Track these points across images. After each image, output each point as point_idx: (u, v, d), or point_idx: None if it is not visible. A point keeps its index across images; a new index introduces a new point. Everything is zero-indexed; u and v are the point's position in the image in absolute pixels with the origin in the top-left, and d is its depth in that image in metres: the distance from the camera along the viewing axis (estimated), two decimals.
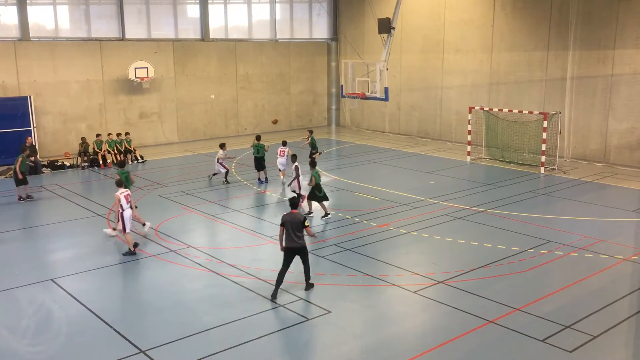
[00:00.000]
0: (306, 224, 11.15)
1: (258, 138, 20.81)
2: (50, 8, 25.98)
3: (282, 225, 11.20)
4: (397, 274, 12.49)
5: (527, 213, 16.75)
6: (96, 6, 26.86)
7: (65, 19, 26.49)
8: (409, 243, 14.47)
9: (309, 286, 11.62)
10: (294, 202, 11.65)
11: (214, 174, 20.88)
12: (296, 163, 17.06)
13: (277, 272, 11.27)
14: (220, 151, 20.27)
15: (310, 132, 22.74)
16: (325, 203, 16.40)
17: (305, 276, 11.58)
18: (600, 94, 23.32)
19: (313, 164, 16.70)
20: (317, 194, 16.12)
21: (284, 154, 20.13)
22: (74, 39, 26.21)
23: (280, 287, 11.28)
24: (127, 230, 13.54)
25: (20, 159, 18.36)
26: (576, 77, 23.86)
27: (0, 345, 9.64)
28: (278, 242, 11.66)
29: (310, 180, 16.07)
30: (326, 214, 16.33)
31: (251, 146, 20.90)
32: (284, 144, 20.66)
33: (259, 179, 20.60)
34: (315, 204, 16.63)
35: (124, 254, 13.57)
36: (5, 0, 24.65)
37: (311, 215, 16.47)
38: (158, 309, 10.94)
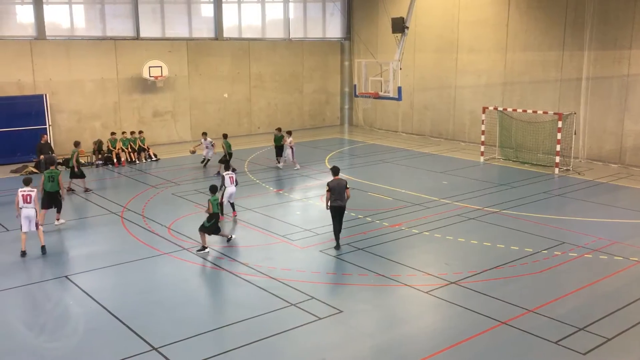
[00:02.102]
0: (347, 187, 13.69)
1: (279, 130, 23.57)
2: (66, 7, 26.19)
3: (328, 190, 13.54)
4: (409, 274, 12.46)
5: (541, 214, 16.63)
6: (111, 5, 27.04)
7: (80, 17, 26.70)
8: (421, 243, 14.43)
9: (339, 246, 13.66)
10: (336, 170, 13.94)
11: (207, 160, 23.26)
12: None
13: (332, 230, 13.86)
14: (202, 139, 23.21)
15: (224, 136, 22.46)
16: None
17: (336, 237, 13.78)
18: (616, 94, 23.10)
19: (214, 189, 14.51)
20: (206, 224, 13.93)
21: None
22: (89, 38, 26.42)
23: (291, 287, 11.28)
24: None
25: (76, 154, 19.12)
26: (592, 78, 23.64)
27: (17, 341, 9.75)
28: (324, 203, 14.61)
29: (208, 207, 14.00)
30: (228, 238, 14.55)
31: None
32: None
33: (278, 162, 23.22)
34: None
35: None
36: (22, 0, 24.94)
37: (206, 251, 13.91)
38: (171, 307, 11.00)
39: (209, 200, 13.88)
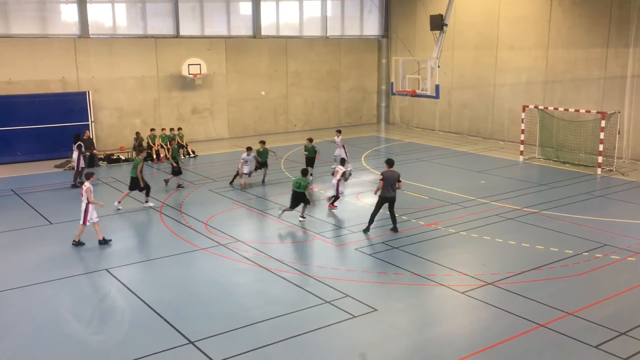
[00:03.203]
0: (400, 179, 14.57)
1: (310, 140, 20.94)
2: (108, 6, 26.77)
3: (382, 179, 14.43)
4: (445, 273, 12.34)
5: (582, 215, 16.25)
6: (152, 4, 27.52)
7: (122, 16, 27.25)
8: (457, 243, 14.27)
9: (395, 229, 14.71)
10: (391, 162, 14.78)
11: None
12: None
13: (370, 215, 14.72)
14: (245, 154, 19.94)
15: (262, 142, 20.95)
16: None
17: (393, 221, 14.82)
18: None
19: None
20: None
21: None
22: (131, 36, 26.94)
23: (326, 284, 11.29)
24: None
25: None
26: (637, 75, 22.97)
27: (64, 332, 10.04)
28: (375, 191, 15.04)
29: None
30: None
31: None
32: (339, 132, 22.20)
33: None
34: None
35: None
36: None
37: None
38: (207, 302, 11.16)
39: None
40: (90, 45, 25.75)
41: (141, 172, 17.13)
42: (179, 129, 25.73)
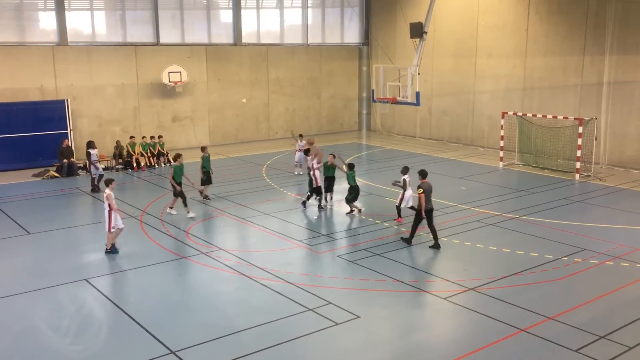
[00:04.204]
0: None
1: (334, 156, 17.98)
2: (87, 13, 26.57)
3: (422, 192, 13.86)
4: (427, 280, 12.39)
5: (561, 220, 16.44)
6: (132, 12, 27.38)
7: (102, 24, 27.05)
8: (439, 249, 14.33)
9: (437, 245, 14.08)
10: (425, 173, 14.34)
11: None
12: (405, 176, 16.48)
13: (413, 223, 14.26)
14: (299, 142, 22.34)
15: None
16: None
17: (434, 236, 14.16)
18: (637, 99, 22.79)
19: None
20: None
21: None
22: (110, 44, 26.75)
23: (308, 291, 11.31)
24: None
25: (202, 159, 18.79)
26: (613, 82, 23.36)
27: (40, 344, 9.87)
28: (421, 208, 14.01)
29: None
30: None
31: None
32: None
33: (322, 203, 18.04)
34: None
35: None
36: (45, 6, 25.34)
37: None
38: (189, 311, 11.06)
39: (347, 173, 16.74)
40: (68, 52, 25.51)
41: (173, 178, 16.82)
42: (160, 136, 25.54)
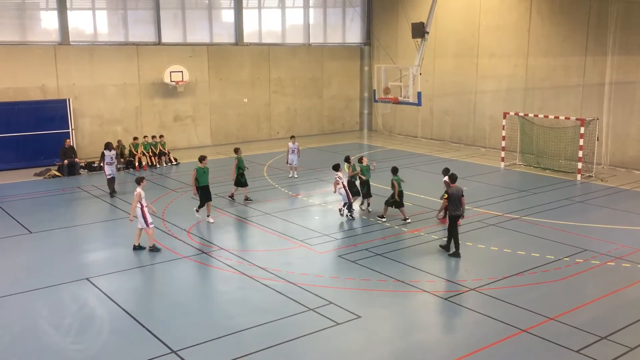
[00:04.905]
0: (462, 194, 13.68)
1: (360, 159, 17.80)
2: (89, 13, 26.59)
3: (447, 197, 13.56)
4: (428, 280, 12.38)
5: (563, 221, 16.42)
6: (134, 11, 27.39)
7: (103, 23, 27.07)
8: (440, 249, 14.32)
9: (457, 254, 13.51)
10: (455, 177, 14.03)
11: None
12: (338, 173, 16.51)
13: (447, 237, 13.79)
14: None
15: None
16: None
17: (456, 245, 13.59)
18: (639, 99, 22.76)
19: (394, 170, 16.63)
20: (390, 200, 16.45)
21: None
22: (112, 43, 26.77)
23: (309, 291, 11.31)
24: None
25: (236, 160, 18.34)
26: (615, 83, 23.34)
27: (40, 343, 9.88)
28: (438, 212, 14.94)
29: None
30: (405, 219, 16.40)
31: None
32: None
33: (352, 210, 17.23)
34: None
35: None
36: (47, 6, 25.35)
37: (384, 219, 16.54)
38: (190, 310, 11.07)
39: (392, 179, 16.17)
40: (70, 52, 25.52)
41: (196, 180, 16.20)
42: (161, 136, 25.57)
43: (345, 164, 17.68)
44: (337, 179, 16.57)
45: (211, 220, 16.34)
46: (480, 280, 12.28)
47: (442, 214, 16.44)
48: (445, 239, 14.12)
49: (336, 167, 16.82)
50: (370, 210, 17.51)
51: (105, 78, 26.33)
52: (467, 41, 28.67)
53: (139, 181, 14.31)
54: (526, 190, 20.14)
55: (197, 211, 16.57)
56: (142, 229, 14.03)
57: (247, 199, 18.65)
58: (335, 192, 16.86)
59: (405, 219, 16.31)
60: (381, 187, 18.98)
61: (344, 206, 16.79)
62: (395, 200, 16.19)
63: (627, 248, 14.14)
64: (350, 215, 16.70)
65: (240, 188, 18.60)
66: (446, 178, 16.09)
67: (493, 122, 27.78)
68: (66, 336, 10.14)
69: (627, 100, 23.09)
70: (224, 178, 21.91)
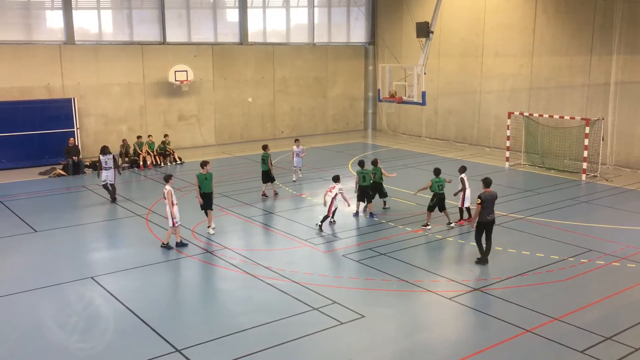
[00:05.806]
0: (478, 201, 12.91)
1: (374, 162, 17.58)
2: (94, 12, 26.66)
3: (480, 202, 12.74)
4: (433, 280, 12.37)
5: (568, 221, 16.38)
6: (138, 11, 27.44)
7: (108, 23, 27.15)
8: (444, 249, 14.32)
9: (485, 261, 12.98)
10: (489, 182, 13.15)
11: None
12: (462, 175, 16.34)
13: (477, 245, 13.11)
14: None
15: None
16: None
17: (487, 251, 13.04)
18: None
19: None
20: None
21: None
22: (117, 43, 26.82)
23: (313, 291, 11.31)
24: None
25: (269, 157, 18.76)
26: (620, 82, 23.25)
27: (45, 342, 9.92)
28: (473, 218, 14.07)
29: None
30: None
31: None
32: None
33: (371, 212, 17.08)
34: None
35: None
36: (52, 5, 25.43)
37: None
38: (194, 309, 11.09)
39: (370, 171, 16.51)
40: (75, 51, 25.59)
41: (199, 187, 15.30)
42: (165, 135, 25.61)
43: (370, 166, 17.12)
44: (331, 190, 15.63)
45: (212, 231, 15.37)
46: (484, 280, 12.26)
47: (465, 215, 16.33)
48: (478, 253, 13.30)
49: (336, 179, 15.91)
50: (386, 207, 17.60)
51: (110, 77, 26.38)
52: (472, 41, 28.61)
53: (167, 179, 14.36)
54: (531, 190, 20.09)
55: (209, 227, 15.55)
56: (175, 227, 14.06)
57: (275, 193, 19.29)
58: (324, 204, 15.71)
59: (449, 223, 15.95)
60: (393, 188, 18.93)
61: (324, 219, 15.77)
62: (432, 204, 15.80)
63: (632, 248, 14.10)
64: (320, 228, 15.59)
65: (269, 184, 19.10)
66: (463, 175, 16.19)
67: (498, 122, 27.72)
68: (71, 335, 10.17)
69: (633, 100, 23.01)
70: (228, 178, 21.96)
